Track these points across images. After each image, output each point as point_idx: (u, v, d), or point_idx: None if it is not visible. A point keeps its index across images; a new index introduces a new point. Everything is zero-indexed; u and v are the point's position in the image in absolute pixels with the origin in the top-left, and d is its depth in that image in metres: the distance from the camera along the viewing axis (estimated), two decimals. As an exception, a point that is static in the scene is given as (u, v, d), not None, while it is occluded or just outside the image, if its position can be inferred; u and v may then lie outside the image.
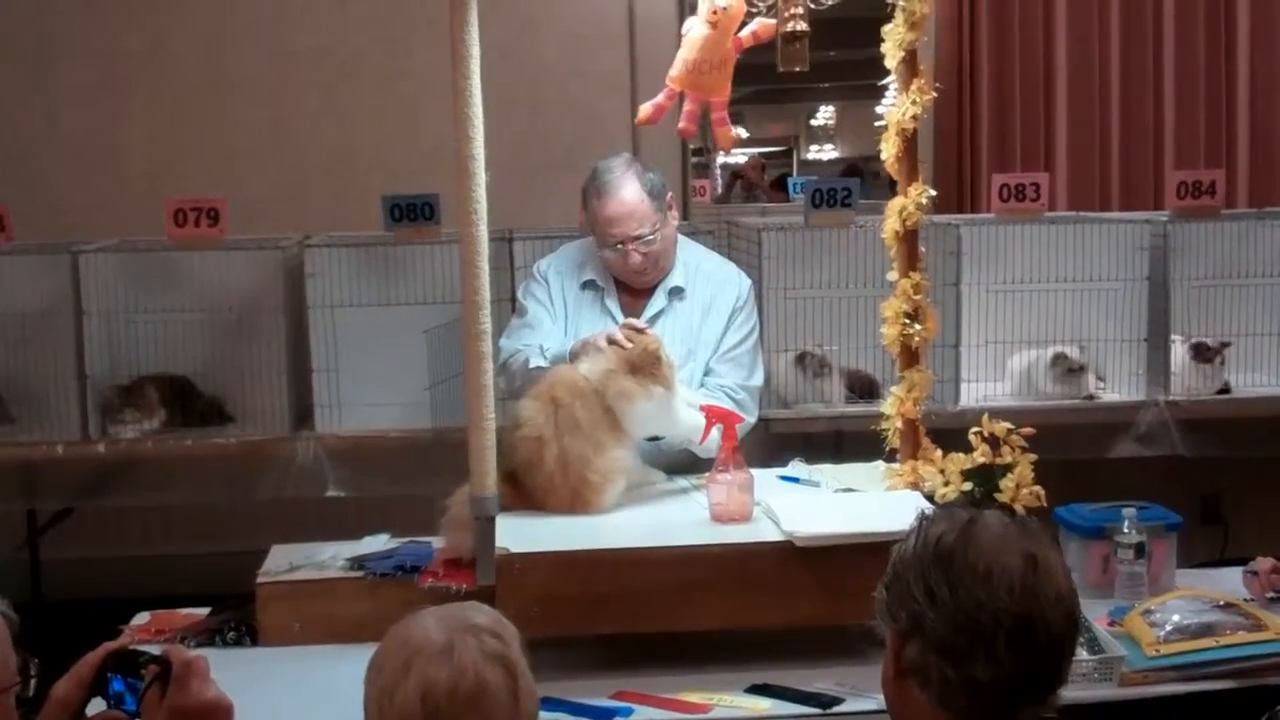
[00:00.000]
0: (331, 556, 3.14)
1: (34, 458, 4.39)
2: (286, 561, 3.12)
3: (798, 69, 3.14)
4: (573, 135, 5.55)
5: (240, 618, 3.04)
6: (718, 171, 10.50)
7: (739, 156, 11.44)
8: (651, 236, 3.38)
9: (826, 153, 15.82)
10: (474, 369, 2.94)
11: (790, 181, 7.74)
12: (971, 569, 1.81)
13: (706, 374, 3.43)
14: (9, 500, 4.69)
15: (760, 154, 10.96)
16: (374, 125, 5.43)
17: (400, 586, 2.99)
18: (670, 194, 3.51)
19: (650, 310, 3.45)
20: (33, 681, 1.79)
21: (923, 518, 1.93)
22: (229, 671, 2.84)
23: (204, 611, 3.15)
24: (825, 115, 15.66)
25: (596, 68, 5.67)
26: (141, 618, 3.16)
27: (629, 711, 2.61)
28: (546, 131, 5.46)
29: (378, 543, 3.22)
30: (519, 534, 2.84)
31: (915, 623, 1.83)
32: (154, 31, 5.47)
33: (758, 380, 3.51)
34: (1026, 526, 1.90)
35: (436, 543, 3.17)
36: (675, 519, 2.97)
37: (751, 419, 3.45)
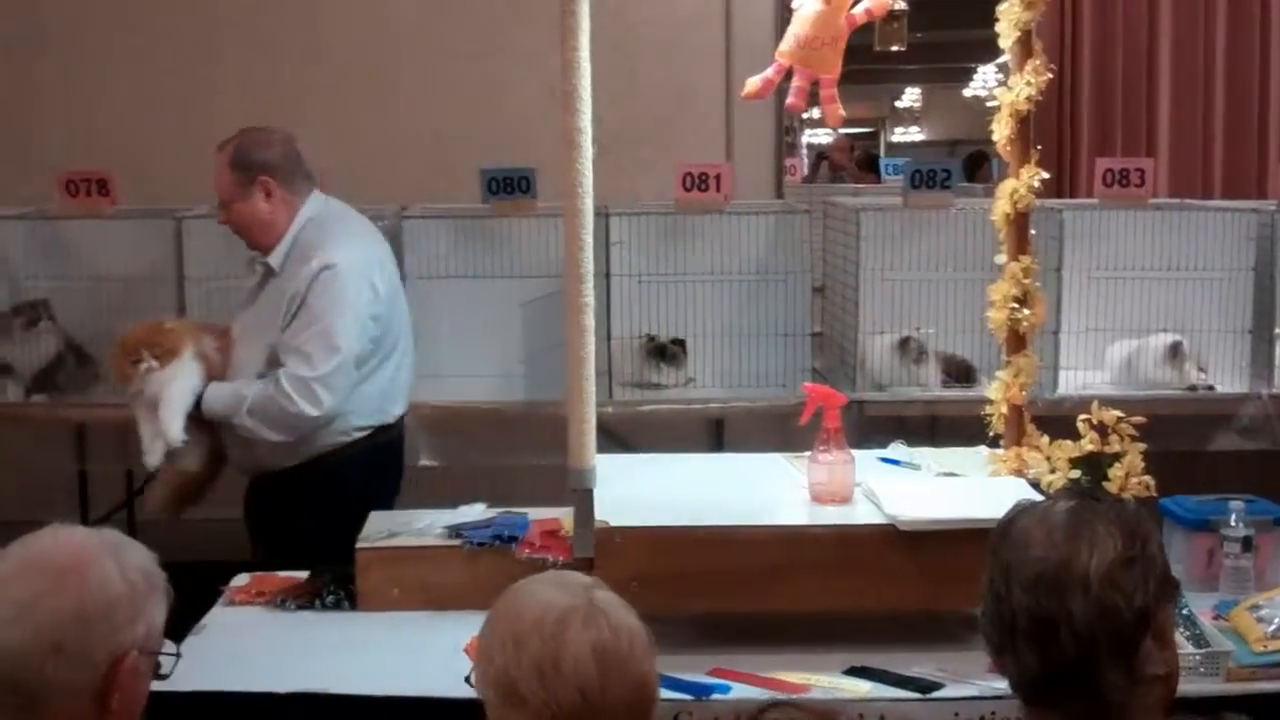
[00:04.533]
0: (429, 524, 3.16)
1: (132, 420, 4.45)
2: (385, 528, 3.14)
3: (894, 48, 3.11)
4: (666, 112, 5.55)
5: (339, 581, 3.06)
6: (804, 151, 10.45)
7: (824, 137, 11.38)
8: (225, 204, 3.50)
9: (913, 135, 15.73)
10: (575, 342, 2.93)
11: (883, 162, 7.66)
12: (1002, 563, 1.81)
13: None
14: (106, 462, 4.78)
15: (845, 135, 10.89)
16: (470, 98, 5.45)
17: (497, 556, 3.00)
18: (266, 179, 3.47)
19: (250, 284, 3.62)
20: (176, 662, 1.83)
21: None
22: (329, 633, 2.91)
23: (303, 574, 3.18)
24: (911, 97, 15.58)
25: (692, 43, 5.66)
26: (241, 579, 3.19)
27: (726, 689, 2.60)
28: (640, 107, 5.46)
29: (474, 512, 3.23)
30: (618, 508, 2.84)
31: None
32: (262, 7, 5.53)
33: (323, 369, 3.38)
34: (1082, 516, 1.82)
35: (532, 514, 3.19)
36: (775, 498, 2.96)
37: (305, 409, 3.36)
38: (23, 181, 4.88)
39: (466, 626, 2.79)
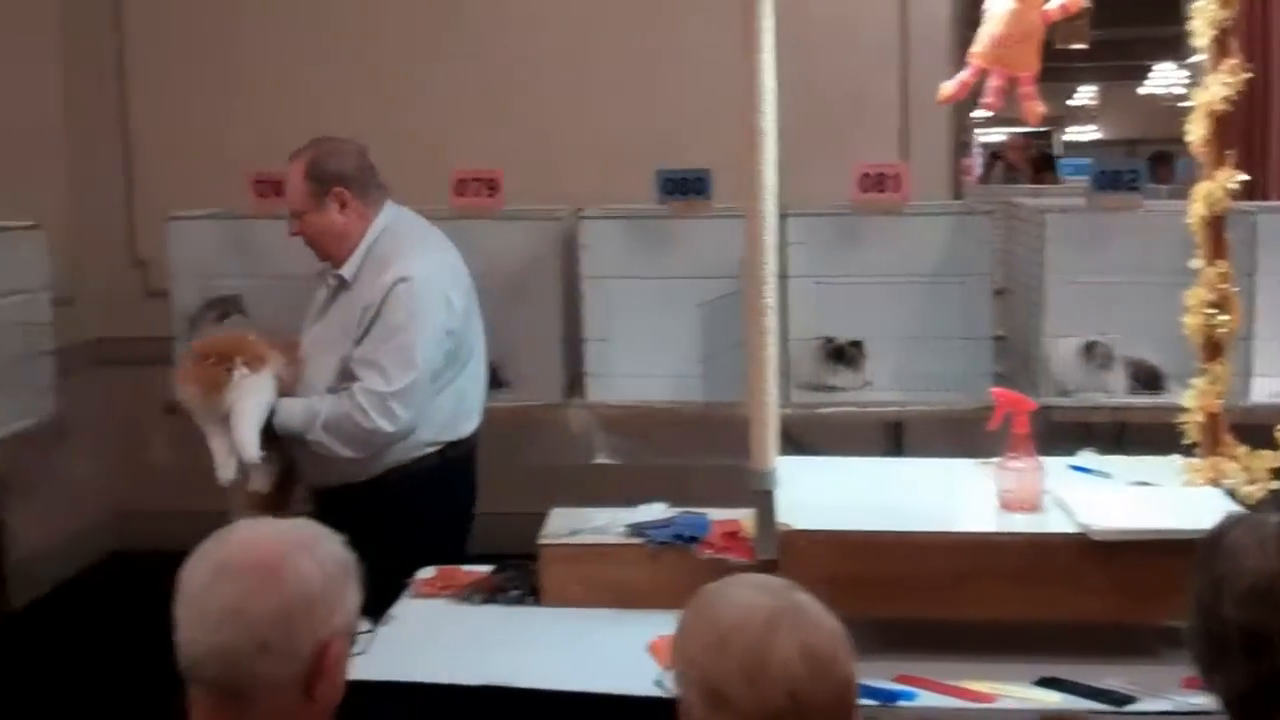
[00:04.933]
0: (609, 522, 3.17)
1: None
2: (567, 525, 3.17)
3: (1076, 45, 3.06)
4: (841, 111, 5.51)
5: (523, 577, 3.10)
6: (976, 151, 10.28)
7: (997, 136, 11.20)
8: (297, 215, 3.45)
9: (1088, 133, 15.37)
10: (756, 344, 2.94)
11: (1062, 162, 7.51)
12: (1212, 576, 1.76)
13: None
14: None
15: (1020, 134, 10.70)
16: (647, 100, 5.49)
17: (678, 556, 3.01)
18: (340, 190, 3.43)
19: (320, 297, 3.53)
20: (371, 635, 1.85)
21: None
22: (513, 627, 2.96)
23: (486, 569, 3.22)
24: (1084, 95, 15.22)
25: (868, 42, 5.61)
26: (426, 572, 3.25)
27: (912, 695, 2.57)
28: (815, 106, 5.42)
29: (654, 511, 3.24)
30: (800, 510, 2.83)
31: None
32: (441, 9, 5.64)
33: (400, 384, 3.33)
34: None
35: (712, 514, 3.19)
36: (962, 504, 2.92)
37: (381, 425, 3.32)
38: (215, 182, 5.04)
39: (649, 625, 2.82)
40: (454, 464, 3.55)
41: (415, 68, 5.64)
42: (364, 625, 1.88)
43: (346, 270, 3.43)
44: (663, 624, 2.79)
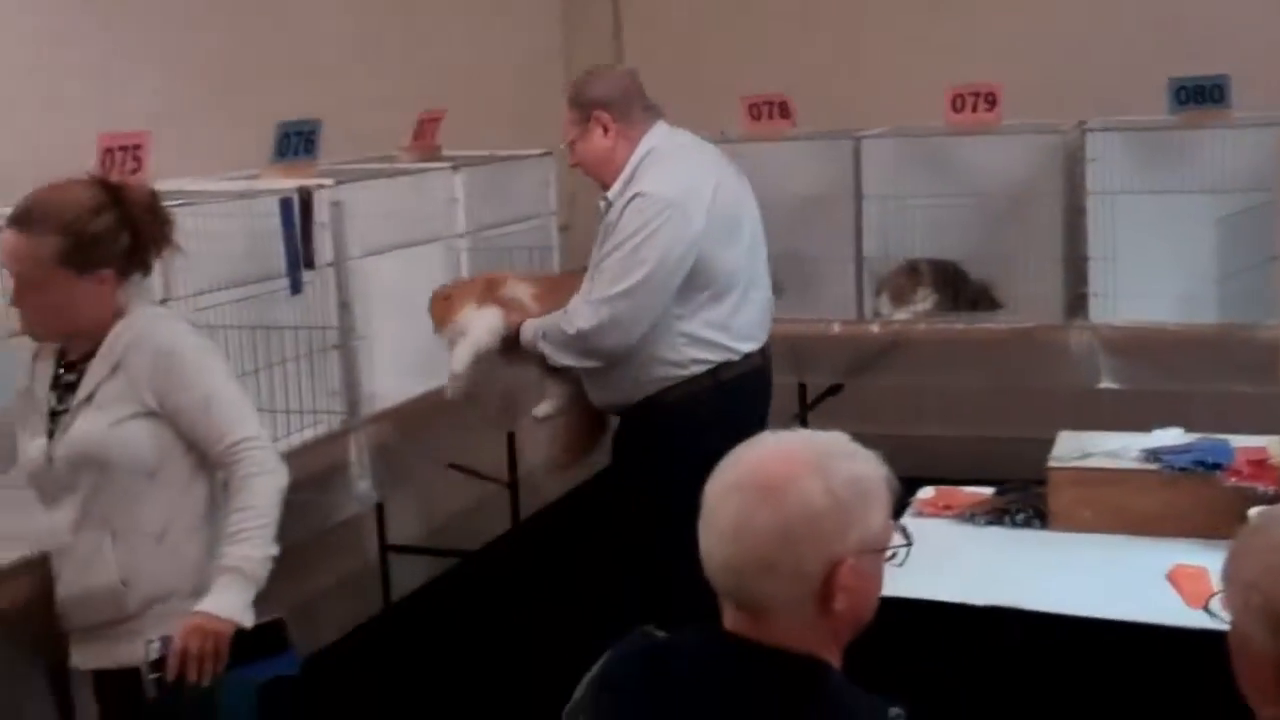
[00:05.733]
0: (1122, 447, 3.06)
1: (808, 334, 4.59)
2: (1076, 449, 3.07)
3: None
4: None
5: (1029, 499, 3.03)
6: None
7: None
8: (570, 144, 3.46)
9: None
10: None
11: None
12: None
13: None
14: (782, 374, 4.97)
15: None
16: (1158, 4, 5.16)
17: (1199, 482, 2.87)
18: (600, 113, 3.38)
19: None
20: (908, 551, 1.82)
21: None
22: (1020, 551, 2.90)
23: (987, 490, 3.16)
24: None
25: None
26: (926, 492, 3.23)
27: None
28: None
29: (1170, 436, 3.09)
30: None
31: None
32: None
33: (608, 291, 3.28)
34: None
35: (1235, 441, 3.00)
36: None
37: (579, 325, 3.30)
38: (706, 105, 5.13)
39: (1166, 553, 2.71)
40: (729, 385, 3.47)
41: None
42: (899, 539, 1.85)
43: (612, 193, 3.45)
44: (1181, 552, 2.69)
